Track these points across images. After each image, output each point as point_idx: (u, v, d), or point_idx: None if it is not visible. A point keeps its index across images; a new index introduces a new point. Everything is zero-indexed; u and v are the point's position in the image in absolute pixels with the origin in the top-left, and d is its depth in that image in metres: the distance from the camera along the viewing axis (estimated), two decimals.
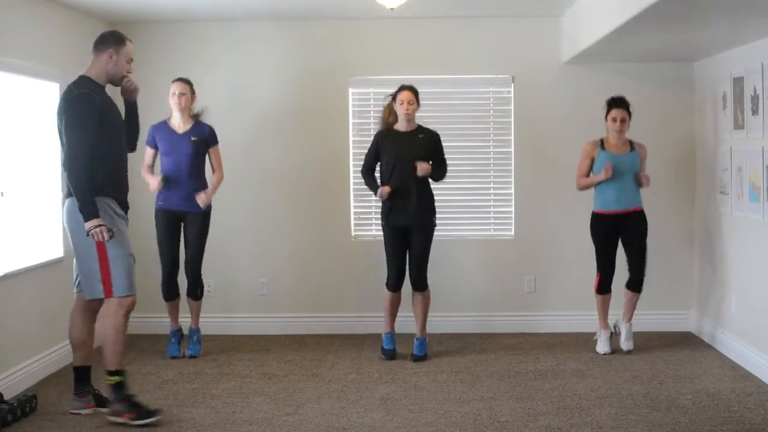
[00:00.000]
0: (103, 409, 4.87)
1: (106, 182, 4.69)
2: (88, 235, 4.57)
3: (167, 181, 6.00)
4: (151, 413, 4.70)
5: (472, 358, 6.13)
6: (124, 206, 4.88)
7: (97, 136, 4.61)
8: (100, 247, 4.61)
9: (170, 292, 6.16)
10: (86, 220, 4.56)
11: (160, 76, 6.70)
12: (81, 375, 4.93)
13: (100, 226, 4.55)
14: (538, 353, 6.24)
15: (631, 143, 6.12)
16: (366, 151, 6.21)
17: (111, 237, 4.60)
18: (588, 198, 6.38)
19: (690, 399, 5.08)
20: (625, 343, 6.17)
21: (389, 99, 6.08)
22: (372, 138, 6.20)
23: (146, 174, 6.10)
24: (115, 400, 4.71)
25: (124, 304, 4.71)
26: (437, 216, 6.12)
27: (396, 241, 6.03)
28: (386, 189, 5.94)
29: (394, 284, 6.08)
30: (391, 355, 6.09)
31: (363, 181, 6.21)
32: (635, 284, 6.14)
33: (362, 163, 6.21)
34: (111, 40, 4.76)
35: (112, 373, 4.71)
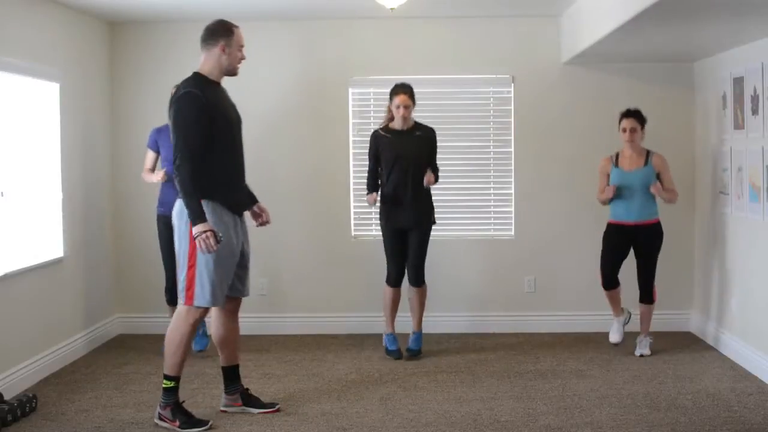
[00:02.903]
0: (251, 409, 4.85)
1: (214, 185, 4.51)
2: (196, 239, 4.40)
3: (170, 178, 5.99)
4: (200, 422, 4.64)
5: (472, 358, 6.13)
6: (236, 210, 4.70)
7: (204, 136, 4.43)
8: (192, 254, 4.47)
9: (173, 299, 6.12)
10: (193, 224, 4.40)
11: (160, 76, 6.70)
12: (228, 374, 4.90)
13: (206, 231, 4.38)
14: (538, 353, 6.24)
15: (647, 155, 6.04)
16: (364, 152, 6.20)
17: (218, 243, 4.42)
18: (588, 198, 6.40)
19: (690, 399, 5.08)
20: (638, 351, 6.13)
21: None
22: (369, 138, 6.19)
23: (147, 176, 6.09)
24: (164, 405, 4.64)
25: (196, 315, 4.59)
26: (436, 214, 6.12)
27: (395, 241, 6.05)
28: (373, 197, 6.00)
29: (394, 281, 6.10)
30: (397, 355, 6.08)
31: (365, 181, 6.20)
32: (644, 297, 6.12)
33: (365, 164, 6.20)
34: (221, 32, 4.58)
35: (167, 378, 4.62)
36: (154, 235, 6.20)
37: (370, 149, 6.13)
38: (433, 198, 6.12)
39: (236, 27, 4.66)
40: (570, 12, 6.41)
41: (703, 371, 5.70)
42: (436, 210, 6.14)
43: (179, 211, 4.58)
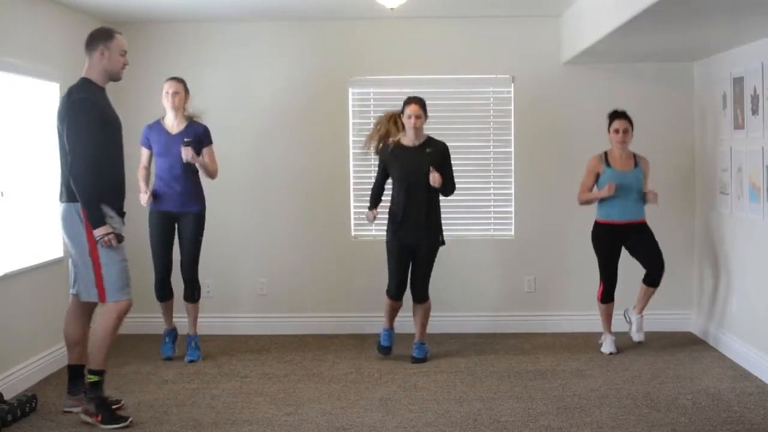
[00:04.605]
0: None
1: (104, 188, 4.67)
2: (98, 242, 4.60)
3: (156, 197, 5.99)
4: (120, 419, 4.67)
5: (472, 358, 6.13)
6: (121, 213, 4.82)
7: (99, 142, 4.61)
8: (93, 253, 4.64)
9: (164, 294, 6.10)
10: (95, 227, 4.60)
11: (158, 76, 6.68)
12: (74, 373, 4.93)
13: (108, 234, 4.61)
14: (538, 353, 6.24)
15: (635, 157, 6.09)
16: (364, 152, 6.20)
17: (121, 242, 4.66)
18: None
19: (690, 399, 5.08)
20: (636, 335, 6.16)
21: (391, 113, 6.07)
22: (378, 156, 6.08)
23: (141, 180, 6.05)
24: (89, 400, 4.69)
25: (118, 308, 4.72)
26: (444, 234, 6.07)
27: (401, 256, 5.96)
28: (373, 214, 5.97)
29: (394, 294, 6.03)
30: (386, 352, 6.07)
31: (365, 181, 6.17)
32: (653, 280, 6.10)
33: (365, 164, 6.17)
34: (99, 36, 4.74)
35: (92, 372, 4.70)
36: (147, 234, 6.15)
37: (379, 162, 6.06)
38: (442, 218, 6.01)
39: (118, 33, 4.82)
40: (570, 12, 6.41)
41: (703, 371, 5.70)
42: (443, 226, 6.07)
43: (67, 217, 4.71)
